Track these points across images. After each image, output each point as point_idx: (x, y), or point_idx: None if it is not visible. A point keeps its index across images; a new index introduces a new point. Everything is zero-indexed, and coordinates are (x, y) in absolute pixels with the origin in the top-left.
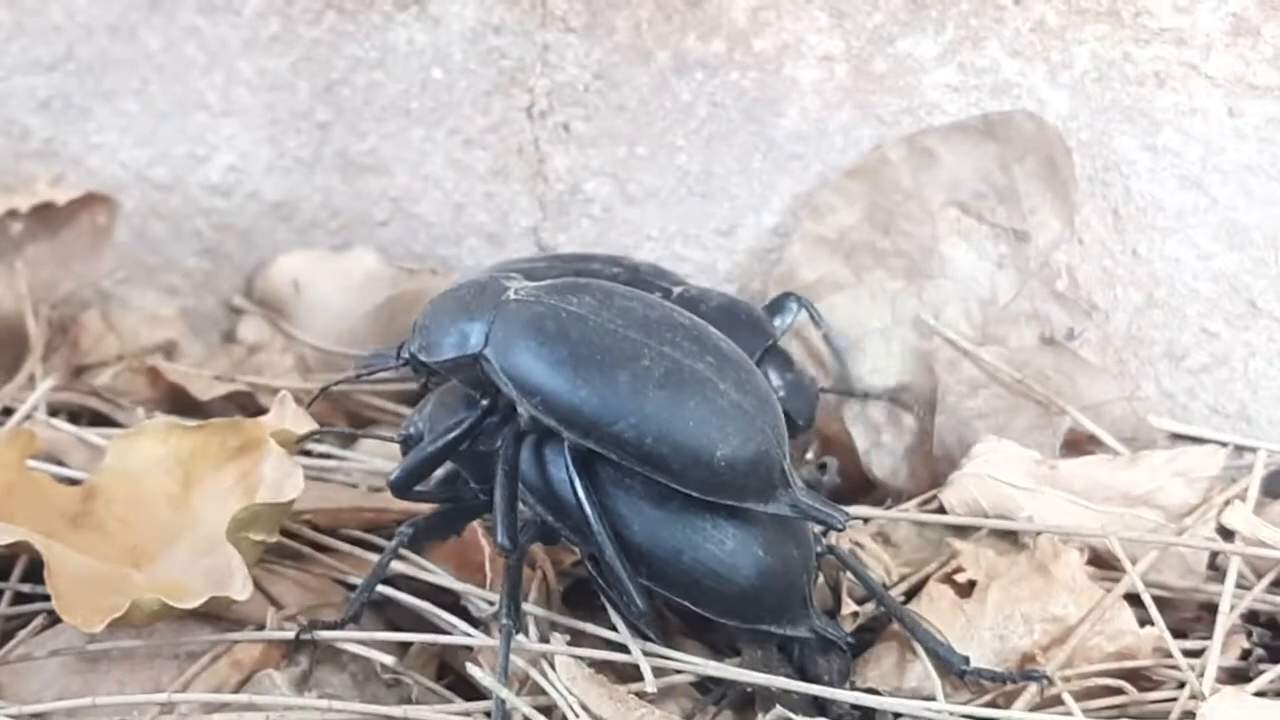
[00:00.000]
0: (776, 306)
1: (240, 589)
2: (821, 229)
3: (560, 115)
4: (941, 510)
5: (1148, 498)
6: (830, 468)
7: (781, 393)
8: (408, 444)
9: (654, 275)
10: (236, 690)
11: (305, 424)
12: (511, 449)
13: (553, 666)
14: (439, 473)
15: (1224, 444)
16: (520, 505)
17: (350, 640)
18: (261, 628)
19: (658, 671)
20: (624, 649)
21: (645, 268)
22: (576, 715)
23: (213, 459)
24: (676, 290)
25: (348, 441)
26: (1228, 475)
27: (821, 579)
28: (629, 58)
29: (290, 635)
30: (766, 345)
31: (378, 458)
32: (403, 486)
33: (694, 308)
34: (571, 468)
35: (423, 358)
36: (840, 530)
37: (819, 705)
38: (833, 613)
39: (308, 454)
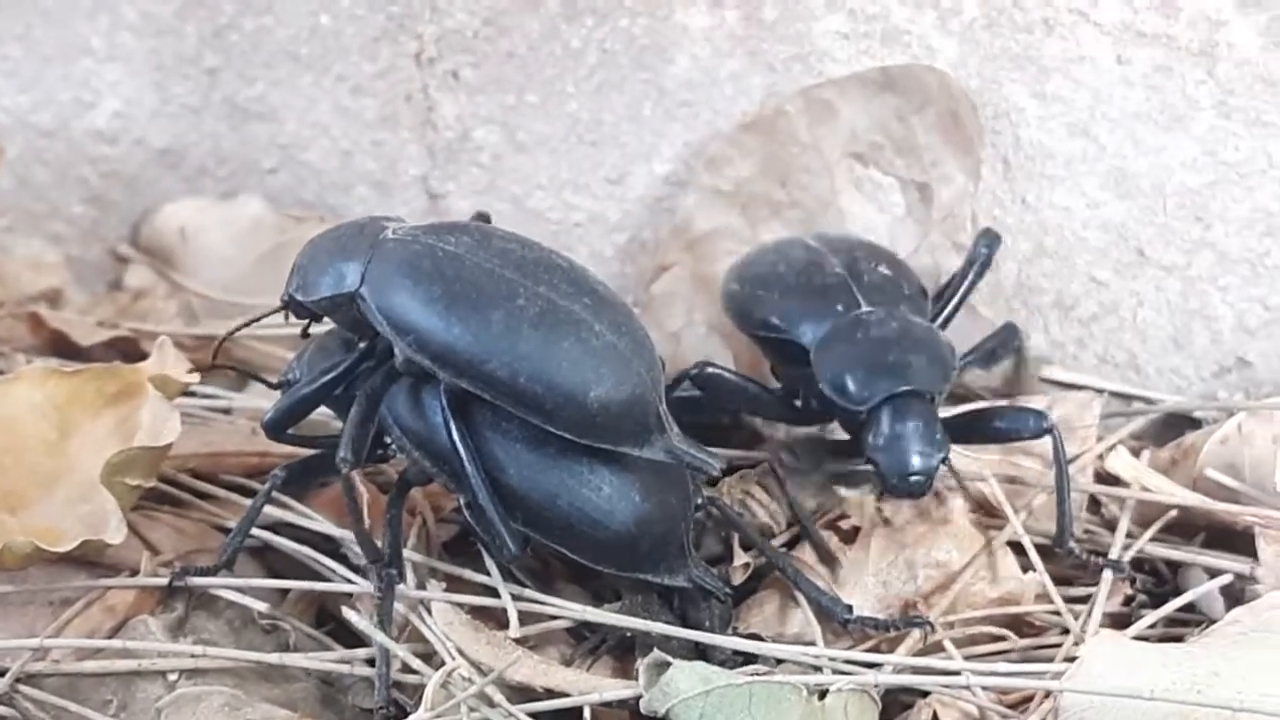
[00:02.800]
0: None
1: (114, 533)
2: (717, 181)
3: (449, 62)
4: None
5: (1025, 447)
6: None
7: (878, 454)
8: (286, 389)
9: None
10: (110, 636)
11: (184, 369)
12: (379, 382)
13: (430, 612)
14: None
15: (1100, 391)
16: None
17: (225, 586)
18: (136, 573)
19: (535, 617)
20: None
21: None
22: (453, 659)
23: (90, 404)
24: (864, 310)
25: (238, 384)
26: (1114, 424)
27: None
28: (518, 4)
29: (164, 581)
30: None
31: (265, 402)
32: (277, 428)
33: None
34: (446, 410)
35: (299, 297)
36: (716, 476)
37: (700, 651)
38: (722, 561)
39: (192, 396)
